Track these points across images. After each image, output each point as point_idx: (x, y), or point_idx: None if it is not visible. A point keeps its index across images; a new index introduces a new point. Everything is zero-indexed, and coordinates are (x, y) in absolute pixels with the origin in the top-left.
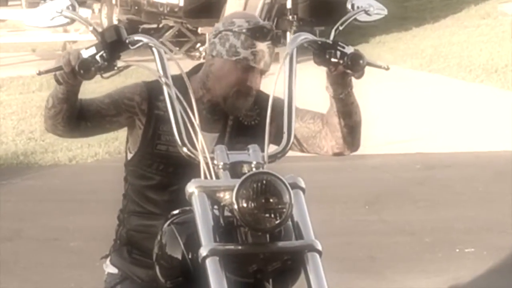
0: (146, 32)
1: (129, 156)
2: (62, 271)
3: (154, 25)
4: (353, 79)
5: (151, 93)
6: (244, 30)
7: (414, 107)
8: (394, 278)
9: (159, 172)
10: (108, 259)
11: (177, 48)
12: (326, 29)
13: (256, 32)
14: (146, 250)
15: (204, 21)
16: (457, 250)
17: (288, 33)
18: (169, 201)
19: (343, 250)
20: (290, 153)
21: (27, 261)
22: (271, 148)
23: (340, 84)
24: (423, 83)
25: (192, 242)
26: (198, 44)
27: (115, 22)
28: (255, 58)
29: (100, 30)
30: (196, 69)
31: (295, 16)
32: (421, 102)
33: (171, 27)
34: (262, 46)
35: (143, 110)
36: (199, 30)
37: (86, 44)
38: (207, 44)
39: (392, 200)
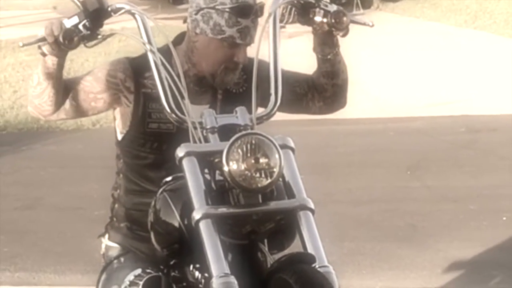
0: None
1: (119, 136)
2: (86, 242)
3: None
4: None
5: (135, 70)
6: (227, 9)
7: (458, 66)
8: (437, 247)
9: (153, 151)
10: (106, 236)
11: None
12: None
13: (240, 10)
14: (146, 226)
15: None
16: (504, 218)
17: None
18: (166, 177)
19: (384, 218)
20: (327, 117)
21: (48, 231)
22: (259, 111)
23: (327, 44)
24: (467, 41)
25: (186, 208)
26: None
27: None
28: (241, 35)
29: None
30: (179, 39)
31: None
32: (466, 61)
33: None
34: (247, 22)
35: (128, 88)
36: None
37: (110, 1)
38: (188, 19)
39: (435, 165)
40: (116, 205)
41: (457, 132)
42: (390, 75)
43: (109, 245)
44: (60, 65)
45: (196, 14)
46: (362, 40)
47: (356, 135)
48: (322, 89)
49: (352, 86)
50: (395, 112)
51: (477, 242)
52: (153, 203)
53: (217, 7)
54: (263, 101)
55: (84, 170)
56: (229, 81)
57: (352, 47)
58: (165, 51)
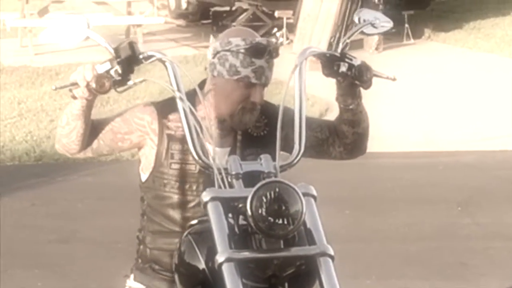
0: (218, 15)
1: (143, 177)
2: (122, 279)
3: (227, 8)
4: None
5: (160, 113)
6: (242, 50)
7: None
8: (489, 286)
9: (176, 190)
10: (132, 277)
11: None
12: (414, 13)
13: (253, 50)
14: (170, 266)
15: (282, 3)
16: None
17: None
18: (190, 218)
19: (433, 255)
20: (374, 150)
21: (84, 266)
22: (282, 157)
23: (349, 94)
24: None
25: (210, 251)
26: (275, 29)
27: (184, 4)
28: (256, 75)
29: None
30: (202, 85)
31: (382, 0)
32: None
33: (245, 10)
34: (261, 62)
35: (153, 130)
36: (276, 13)
37: (152, 28)
38: (207, 64)
39: (487, 201)
40: (141, 247)
41: (510, 167)
42: (441, 107)
43: (134, 286)
44: (89, 107)
45: (213, 58)
46: (411, 71)
47: (405, 169)
48: (343, 136)
49: (401, 118)
50: (445, 146)
51: None
52: (177, 245)
53: (232, 49)
54: (286, 146)
55: (122, 203)
56: (247, 122)
57: (402, 77)
58: (191, 95)
